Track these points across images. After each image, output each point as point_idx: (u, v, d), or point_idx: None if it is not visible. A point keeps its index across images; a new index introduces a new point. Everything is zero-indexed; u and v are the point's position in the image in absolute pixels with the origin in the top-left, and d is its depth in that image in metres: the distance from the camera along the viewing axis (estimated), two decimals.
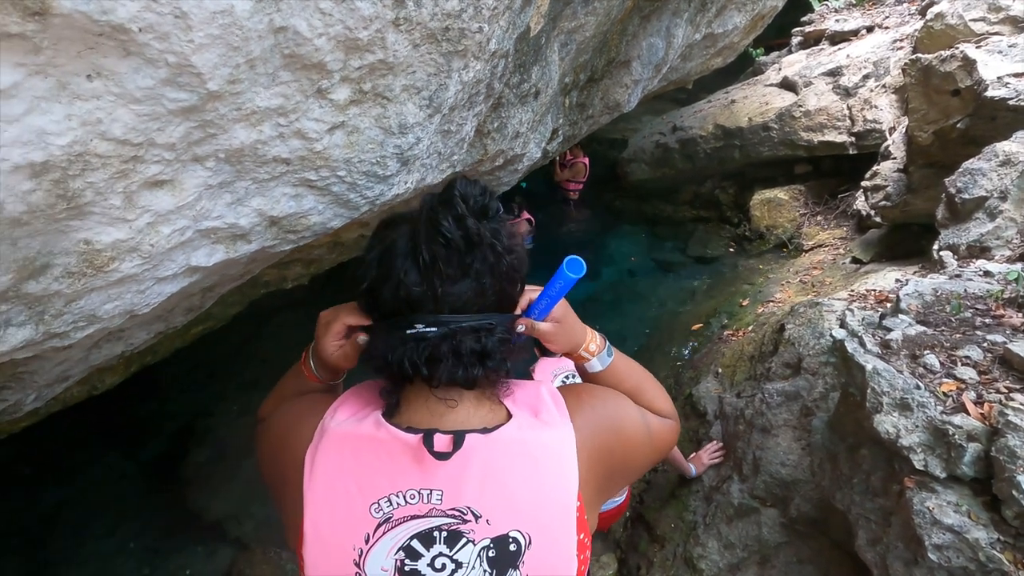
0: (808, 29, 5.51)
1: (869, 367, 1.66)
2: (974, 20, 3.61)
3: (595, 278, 4.99)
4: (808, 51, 5.26)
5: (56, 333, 0.81)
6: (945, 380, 1.60)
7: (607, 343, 0.90)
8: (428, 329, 0.68)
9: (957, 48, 2.85)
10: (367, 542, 0.66)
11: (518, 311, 0.78)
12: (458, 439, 0.68)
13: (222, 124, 0.72)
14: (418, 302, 0.69)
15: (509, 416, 0.73)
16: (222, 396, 3.70)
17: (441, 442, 0.68)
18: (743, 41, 4.36)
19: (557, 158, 5.45)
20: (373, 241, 0.74)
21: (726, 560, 2.15)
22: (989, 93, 2.67)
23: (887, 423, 1.56)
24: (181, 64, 0.62)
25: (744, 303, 3.82)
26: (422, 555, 0.67)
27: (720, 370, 3.06)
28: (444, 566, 0.67)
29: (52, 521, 2.98)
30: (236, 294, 2.36)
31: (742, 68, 6.34)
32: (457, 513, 0.67)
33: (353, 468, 0.68)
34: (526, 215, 5.37)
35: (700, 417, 2.81)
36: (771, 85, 5.10)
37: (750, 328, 3.34)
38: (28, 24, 0.50)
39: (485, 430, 0.70)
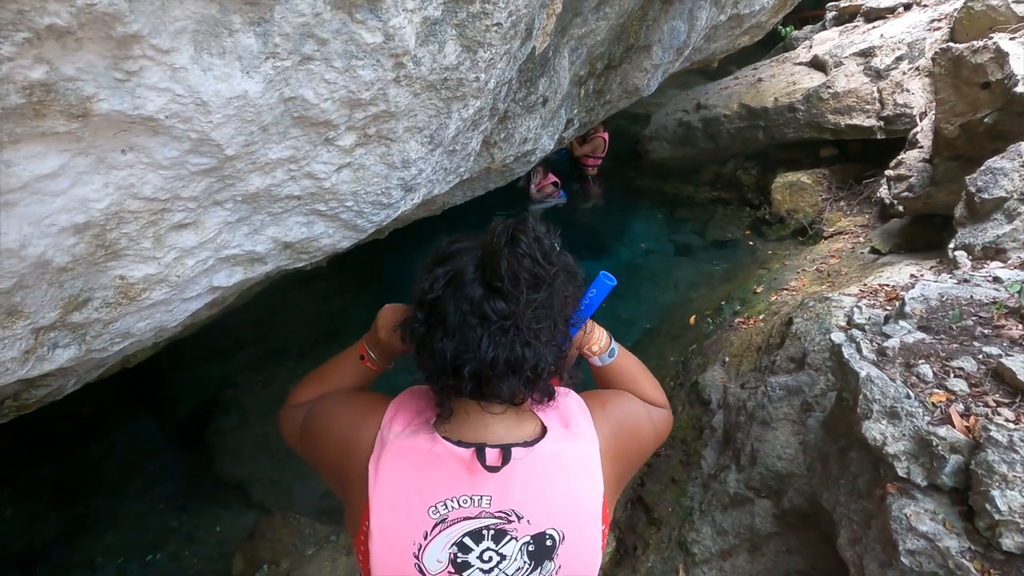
0: (843, 4, 5.30)
1: (863, 374, 1.70)
2: (1016, 1, 3.45)
3: (611, 258, 5.02)
4: (841, 28, 5.08)
5: (96, 349, 0.91)
6: (936, 391, 1.63)
7: (612, 341, 1.03)
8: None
9: (990, 39, 2.76)
10: (425, 538, 0.78)
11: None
12: (506, 454, 0.79)
13: (239, 176, 0.80)
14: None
15: (544, 429, 0.84)
16: (246, 365, 3.87)
17: (491, 456, 0.79)
18: (772, 20, 4.24)
19: None
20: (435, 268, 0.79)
21: (718, 546, 2.25)
22: (1020, 88, 2.60)
23: (875, 430, 1.61)
24: (202, 139, 0.69)
25: (758, 290, 3.82)
26: (472, 549, 0.79)
27: (727, 359, 3.10)
28: (491, 558, 0.79)
29: (89, 480, 3.19)
30: None
31: (774, 41, 6.14)
32: (503, 515, 0.79)
33: (414, 477, 0.80)
34: (552, 177, 5.42)
35: (704, 405, 2.88)
36: (800, 64, 4.96)
37: (761, 317, 3.36)
38: (72, 124, 0.57)
39: (526, 444, 0.82)
